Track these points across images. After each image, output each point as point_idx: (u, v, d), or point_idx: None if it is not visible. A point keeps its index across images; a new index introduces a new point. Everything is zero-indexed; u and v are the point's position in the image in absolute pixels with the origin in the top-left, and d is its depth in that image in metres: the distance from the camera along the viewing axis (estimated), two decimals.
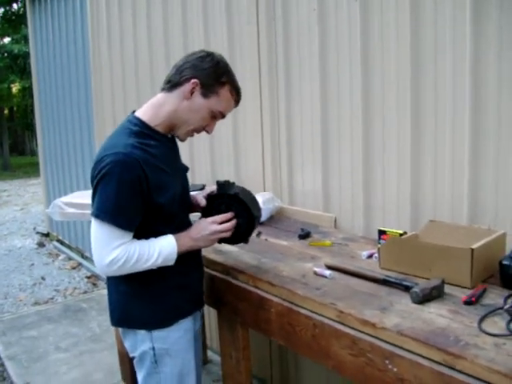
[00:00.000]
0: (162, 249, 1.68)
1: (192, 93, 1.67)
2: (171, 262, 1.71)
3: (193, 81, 1.66)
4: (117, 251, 1.61)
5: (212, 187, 1.89)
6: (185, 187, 1.88)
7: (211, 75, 1.67)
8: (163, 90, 1.73)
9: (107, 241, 1.62)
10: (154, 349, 1.78)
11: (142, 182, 1.60)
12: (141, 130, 1.68)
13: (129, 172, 1.57)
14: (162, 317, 1.78)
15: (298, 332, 1.62)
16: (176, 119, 1.71)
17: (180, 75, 1.68)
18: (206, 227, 1.76)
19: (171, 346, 1.80)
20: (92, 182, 1.65)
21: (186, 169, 1.95)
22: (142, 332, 1.78)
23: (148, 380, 1.84)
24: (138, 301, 1.77)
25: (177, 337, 1.81)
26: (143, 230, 1.68)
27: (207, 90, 1.68)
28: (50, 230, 7.22)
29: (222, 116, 1.77)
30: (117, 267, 1.62)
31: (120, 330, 1.89)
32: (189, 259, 1.80)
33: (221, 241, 1.85)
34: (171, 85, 1.70)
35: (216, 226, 1.76)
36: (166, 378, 1.82)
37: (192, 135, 1.80)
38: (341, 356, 1.47)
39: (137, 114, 1.74)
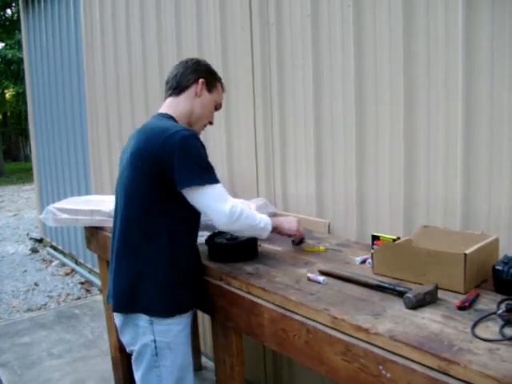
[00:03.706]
0: (262, 216, 1.94)
1: (201, 90, 1.97)
2: (266, 233, 1.94)
3: (200, 80, 1.97)
4: (232, 200, 1.81)
5: None
6: None
7: (209, 73, 2.03)
8: (171, 95, 1.99)
9: (221, 196, 1.79)
10: (155, 341, 1.80)
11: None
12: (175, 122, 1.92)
13: (201, 142, 1.81)
14: (167, 306, 1.82)
15: (291, 338, 1.61)
16: (192, 117, 1.98)
17: (186, 79, 1.96)
18: (291, 218, 2.14)
19: (172, 340, 1.83)
20: (163, 158, 1.73)
21: None
22: (144, 324, 1.80)
23: (148, 374, 1.85)
24: (147, 284, 1.80)
25: (177, 330, 1.84)
26: (175, 213, 1.83)
27: (210, 85, 2.01)
28: (44, 235, 7.19)
29: (220, 106, 2.09)
30: (237, 215, 1.78)
31: (119, 323, 1.90)
32: (198, 256, 1.96)
33: (216, 255, 2.06)
34: (180, 89, 1.96)
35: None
36: (167, 372, 1.84)
37: (203, 129, 2.08)
38: (334, 362, 1.46)
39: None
